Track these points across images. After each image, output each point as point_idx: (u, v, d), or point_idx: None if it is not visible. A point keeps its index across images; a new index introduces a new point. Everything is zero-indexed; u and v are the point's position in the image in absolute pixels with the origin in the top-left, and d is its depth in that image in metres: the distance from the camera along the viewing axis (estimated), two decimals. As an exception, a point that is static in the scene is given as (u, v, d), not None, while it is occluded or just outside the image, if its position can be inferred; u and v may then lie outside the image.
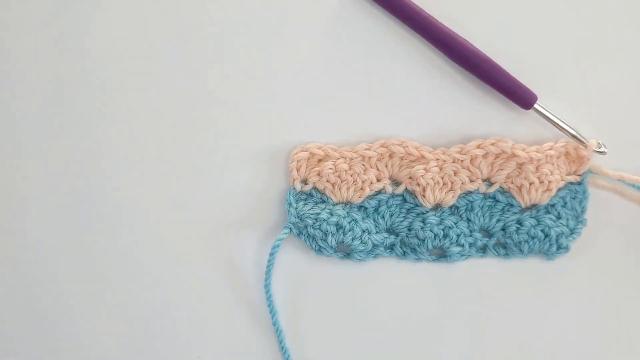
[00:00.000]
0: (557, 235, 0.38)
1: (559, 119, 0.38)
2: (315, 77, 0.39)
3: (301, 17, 0.39)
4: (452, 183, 0.38)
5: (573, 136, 0.37)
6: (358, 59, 0.39)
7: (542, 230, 0.38)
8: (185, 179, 0.39)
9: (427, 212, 0.38)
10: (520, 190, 0.38)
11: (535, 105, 0.38)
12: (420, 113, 0.39)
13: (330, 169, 0.38)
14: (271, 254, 0.38)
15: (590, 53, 0.39)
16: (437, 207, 0.39)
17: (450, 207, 0.39)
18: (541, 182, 0.38)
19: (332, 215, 0.38)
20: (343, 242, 0.38)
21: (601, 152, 0.37)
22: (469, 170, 0.38)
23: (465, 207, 0.39)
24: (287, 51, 0.39)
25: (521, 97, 0.38)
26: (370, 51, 0.39)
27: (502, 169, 0.38)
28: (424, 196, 0.38)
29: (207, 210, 0.39)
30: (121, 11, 0.39)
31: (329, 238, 0.38)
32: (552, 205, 0.38)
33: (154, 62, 0.39)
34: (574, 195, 0.38)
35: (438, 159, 0.38)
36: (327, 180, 0.38)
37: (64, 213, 0.40)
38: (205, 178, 0.39)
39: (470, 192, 0.39)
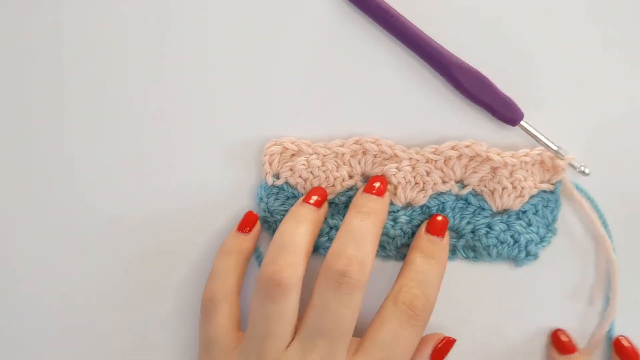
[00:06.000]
0: (526, 242, 0.37)
1: (544, 136, 0.37)
2: (295, 73, 0.38)
3: (277, 15, 0.38)
4: (424, 183, 0.38)
5: (555, 152, 0.36)
6: (340, 60, 0.38)
7: (512, 236, 0.37)
8: (156, 171, 0.39)
9: (397, 210, 0.38)
10: (492, 194, 0.38)
11: (522, 122, 0.37)
12: (401, 118, 0.38)
13: (303, 164, 0.38)
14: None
15: (576, 69, 0.38)
16: (408, 205, 0.39)
17: (421, 207, 0.38)
18: (514, 187, 0.37)
19: (301, 211, 0.38)
20: (311, 238, 0.39)
21: (584, 173, 0.36)
22: (442, 171, 0.38)
23: (436, 207, 0.38)
24: (264, 47, 0.38)
25: (508, 117, 0.37)
26: (354, 53, 0.38)
27: (475, 172, 0.38)
28: (395, 195, 0.38)
29: (177, 203, 0.39)
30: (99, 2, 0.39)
31: (297, 234, 0.38)
32: (524, 212, 0.38)
33: (130, 54, 0.39)
34: (546, 204, 0.38)
35: (411, 158, 0.38)
36: (299, 176, 0.38)
37: (33, 212, 0.40)
38: (177, 170, 0.39)
39: (442, 193, 0.38)
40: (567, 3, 0.38)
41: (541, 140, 0.37)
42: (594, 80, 0.38)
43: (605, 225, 0.38)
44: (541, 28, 0.38)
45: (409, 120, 0.38)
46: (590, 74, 0.38)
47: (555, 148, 0.36)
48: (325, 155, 0.38)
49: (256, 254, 0.39)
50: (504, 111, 0.37)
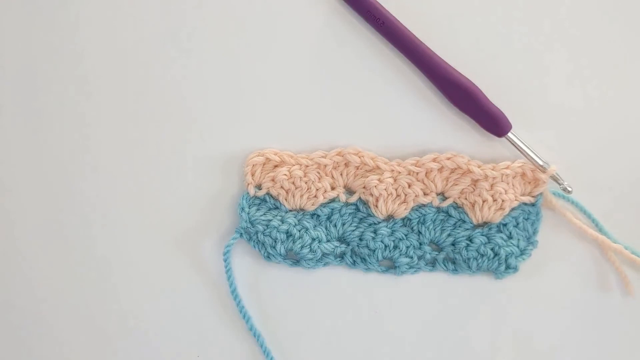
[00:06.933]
0: (506, 255, 0.37)
1: (529, 149, 0.37)
2: (278, 85, 0.39)
3: (260, 31, 0.39)
4: (406, 195, 0.38)
5: (538, 165, 0.37)
6: (324, 71, 0.39)
7: (492, 249, 0.38)
8: (137, 181, 0.39)
9: (379, 222, 0.38)
10: (473, 206, 0.38)
11: (509, 134, 0.37)
12: (386, 128, 0.39)
13: (285, 175, 0.38)
14: (225, 260, 0.38)
15: (573, 83, 0.38)
16: (389, 218, 0.39)
17: (403, 219, 0.38)
18: (495, 200, 0.37)
19: (283, 222, 0.38)
20: (292, 249, 0.38)
21: (566, 191, 0.37)
22: (424, 184, 0.38)
23: (417, 219, 0.38)
24: (247, 61, 0.39)
25: (494, 129, 0.37)
26: (338, 65, 0.38)
27: (456, 184, 0.38)
28: (376, 207, 0.38)
29: (158, 212, 0.39)
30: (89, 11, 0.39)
31: (278, 245, 0.38)
32: (504, 225, 0.38)
33: (109, 64, 0.39)
34: (526, 216, 0.38)
35: (393, 171, 0.38)
36: (281, 187, 0.38)
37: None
38: (159, 180, 0.39)
39: (423, 205, 0.38)
40: (570, 18, 0.38)
41: (525, 153, 0.37)
42: (592, 94, 0.38)
43: (600, 227, 0.38)
44: (542, 39, 0.38)
45: (394, 131, 0.39)
46: (588, 89, 0.38)
47: (539, 161, 0.37)
48: (307, 166, 0.38)
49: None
50: (490, 123, 0.37)
